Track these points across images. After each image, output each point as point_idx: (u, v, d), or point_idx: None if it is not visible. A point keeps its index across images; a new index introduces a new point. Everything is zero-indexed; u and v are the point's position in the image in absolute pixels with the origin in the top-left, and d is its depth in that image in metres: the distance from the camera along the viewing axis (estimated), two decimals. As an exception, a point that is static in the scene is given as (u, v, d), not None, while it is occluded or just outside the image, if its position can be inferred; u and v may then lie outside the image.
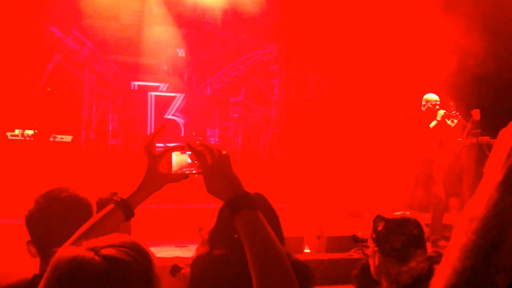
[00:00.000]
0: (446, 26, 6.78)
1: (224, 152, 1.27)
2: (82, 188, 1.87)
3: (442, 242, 5.30)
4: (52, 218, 1.70)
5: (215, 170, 1.24)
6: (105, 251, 0.96)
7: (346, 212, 6.73)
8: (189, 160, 1.33)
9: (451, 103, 6.43)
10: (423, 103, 5.87)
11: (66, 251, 0.98)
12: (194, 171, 1.33)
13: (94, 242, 0.99)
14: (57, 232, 1.59)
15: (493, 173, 0.66)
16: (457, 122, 5.92)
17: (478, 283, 0.62)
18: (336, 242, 5.26)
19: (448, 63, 7.02)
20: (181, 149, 1.34)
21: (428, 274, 1.04)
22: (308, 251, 5.35)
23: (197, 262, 2.20)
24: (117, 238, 1.01)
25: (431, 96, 5.85)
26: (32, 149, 5.53)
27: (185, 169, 1.34)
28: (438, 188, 5.67)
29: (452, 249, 0.65)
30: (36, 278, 1.64)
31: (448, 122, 5.79)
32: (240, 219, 1.19)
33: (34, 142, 5.51)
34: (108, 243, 0.99)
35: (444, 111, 5.75)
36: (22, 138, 5.54)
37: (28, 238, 1.77)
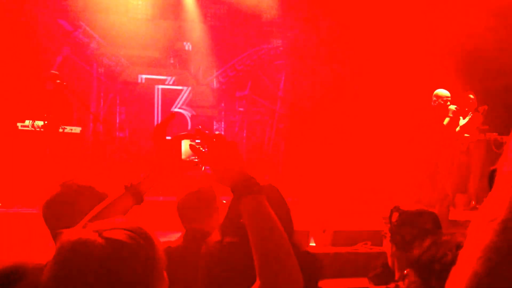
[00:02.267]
0: (454, 19, 6.76)
1: (230, 140, 1.26)
2: (99, 179, 1.90)
3: (446, 238, 5.28)
4: (66, 207, 1.71)
5: (219, 157, 1.23)
6: (108, 234, 0.97)
7: (352, 206, 6.75)
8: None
9: (471, 96, 6.36)
10: (434, 98, 5.72)
11: (71, 233, 0.99)
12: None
13: (98, 224, 1.00)
14: (74, 221, 1.61)
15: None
16: (470, 118, 5.87)
17: (500, 285, 0.60)
18: (342, 236, 5.27)
19: (457, 58, 6.99)
20: (191, 137, 1.35)
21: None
22: (314, 244, 5.38)
23: (207, 251, 2.23)
24: (121, 221, 1.02)
25: (442, 92, 5.70)
26: (42, 139, 5.58)
27: (194, 157, 1.35)
28: (445, 183, 5.65)
29: (471, 251, 0.63)
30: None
31: (462, 120, 5.75)
32: (244, 204, 1.18)
33: (43, 133, 5.56)
34: (112, 226, 0.99)
35: (455, 107, 5.62)
36: (32, 129, 5.60)
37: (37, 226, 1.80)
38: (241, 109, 8.45)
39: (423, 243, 1.65)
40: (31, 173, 5.51)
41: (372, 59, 7.35)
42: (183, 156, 1.36)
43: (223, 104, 8.39)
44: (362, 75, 7.43)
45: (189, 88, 8.22)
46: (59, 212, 1.72)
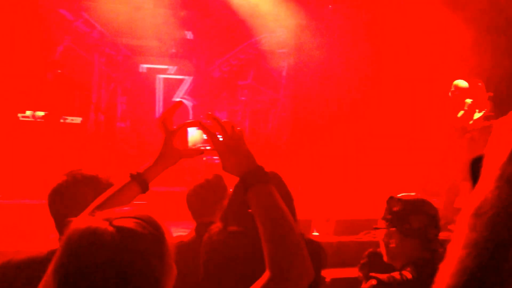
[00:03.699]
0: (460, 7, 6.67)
1: (238, 128, 1.27)
2: (104, 169, 1.89)
3: (452, 226, 5.27)
4: (71, 197, 1.72)
5: (227, 146, 1.24)
6: (118, 222, 0.97)
7: (354, 195, 6.72)
8: (205, 136, 1.33)
9: (480, 84, 6.31)
10: (452, 89, 5.68)
11: (80, 221, 0.98)
12: (208, 147, 1.33)
13: (107, 213, 1.00)
14: (76, 210, 1.56)
15: (499, 166, 0.64)
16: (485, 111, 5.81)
17: (491, 280, 0.61)
18: (345, 225, 5.27)
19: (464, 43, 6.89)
20: (197, 125, 1.34)
21: None
22: (317, 234, 5.37)
23: (210, 240, 2.21)
24: (130, 210, 1.02)
25: (461, 83, 5.67)
26: (42, 130, 5.57)
27: (200, 145, 1.35)
28: (452, 171, 5.62)
29: (460, 246, 0.63)
30: (50, 254, 1.63)
31: (477, 114, 5.69)
32: (253, 194, 1.18)
33: (44, 123, 5.55)
34: (121, 214, 0.99)
35: (472, 100, 5.58)
36: (33, 120, 5.58)
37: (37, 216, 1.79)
38: (243, 98, 8.40)
39: None
40: (32, 164, 5.50)
41: (378, 43, 7.24)
42: (189, 144, 1.36)
43: (225, 94, 8.34)
44: (367, 59, 7.32)
45: (191, 78, 8.16)
46: (65, 201, 1.72)
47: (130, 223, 0.97)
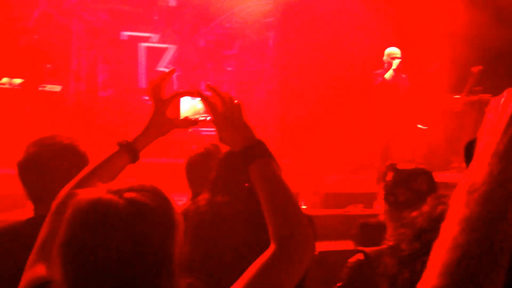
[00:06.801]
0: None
1: (236, 101, 1.24)
2: (77, 136, 1.82)
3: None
4: (44, 165, 1.66)
5: (226, 118, 1.22)
6: (128, 195, 0.96)
7: (343, 168, 6.70)
8: (199, 107, 1.31)
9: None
10: (384, 57, 5.79)
11: (87, 193, 0.97)
12: (203, 118, 1.31)
13: (113, 185, 0.99)
14: (50, 178, 1.59)
15: (492, 142, 0.66)
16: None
17: (485, 254, 0.62)
18: (333, 198, 5.26)
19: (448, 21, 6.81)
20: (191, 95, 1.31)
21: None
22: (304, 207, 5.35)
23: (196, 210, 2.16)
24: (136, 182, 1.01)
25: (391, 50, 5.74)
26: (20, 98, 5.37)
27: (194, 115, 1.33)
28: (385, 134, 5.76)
29: (453, 223, 0.65)
30: (30, 221, 1.66)
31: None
32: (256, 168, 1.16)
33: (22, 91, 5.34)
34: (129, 187, 0.98)
35: (400, 60, 5.64)
36: (10, 87, 5.37)
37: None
38: (229, 68, 8.23)
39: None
40: (9, 133, 5.31)
41: (369, 12, 7.10)
42: (182, 114, 1.33)
43: (210, 64, 8.16)
44: (356, 28, 7.18)
45: (175, 47, 7.94)
46: (37, 171, 1.68)
47: (140, 196, 0.97)
